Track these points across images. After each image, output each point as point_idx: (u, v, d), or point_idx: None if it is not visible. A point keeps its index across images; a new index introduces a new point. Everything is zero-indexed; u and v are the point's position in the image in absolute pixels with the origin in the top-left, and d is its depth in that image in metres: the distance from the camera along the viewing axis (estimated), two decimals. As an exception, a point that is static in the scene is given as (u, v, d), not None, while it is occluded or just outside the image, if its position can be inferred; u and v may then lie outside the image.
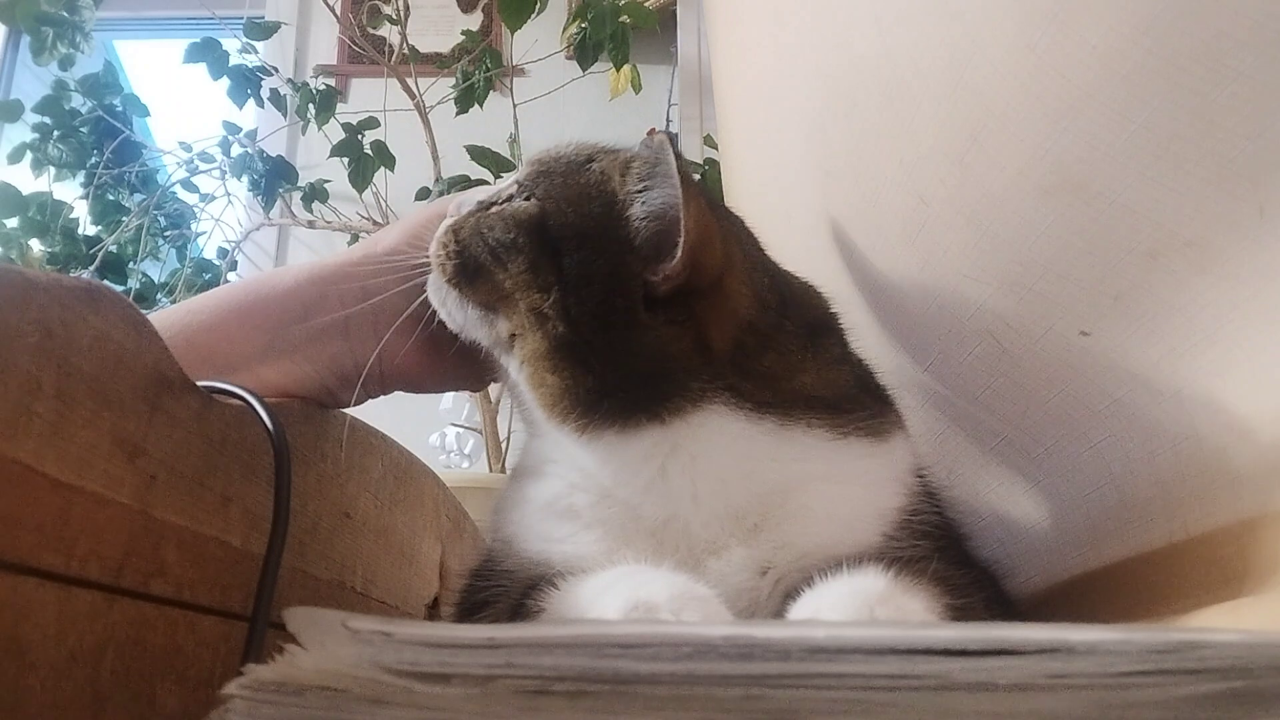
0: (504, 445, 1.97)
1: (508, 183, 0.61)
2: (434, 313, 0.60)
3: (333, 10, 2.68)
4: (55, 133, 2.79)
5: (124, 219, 2.77)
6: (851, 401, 0.56)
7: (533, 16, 2.11)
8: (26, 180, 2.78)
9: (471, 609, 0.55)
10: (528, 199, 0.57)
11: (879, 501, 0.53)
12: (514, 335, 0.56)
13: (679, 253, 0.51)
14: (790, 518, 0.51)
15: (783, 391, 0.54)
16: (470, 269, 0.57)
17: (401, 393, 0.68)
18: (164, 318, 0.57)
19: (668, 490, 0.52)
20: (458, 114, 2.40)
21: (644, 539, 0.51)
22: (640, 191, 0.55)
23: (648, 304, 0.53)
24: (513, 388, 0.59)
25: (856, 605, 0.41)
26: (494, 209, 0.58)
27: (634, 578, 0.44)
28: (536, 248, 0.55)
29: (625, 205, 0.55)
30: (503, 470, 1.89)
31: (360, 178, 2.40)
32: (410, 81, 2.41)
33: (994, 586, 0.56)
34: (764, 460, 0.52)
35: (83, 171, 2.83)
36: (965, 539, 0.58)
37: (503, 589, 0.53)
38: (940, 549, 0.53)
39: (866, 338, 0.65)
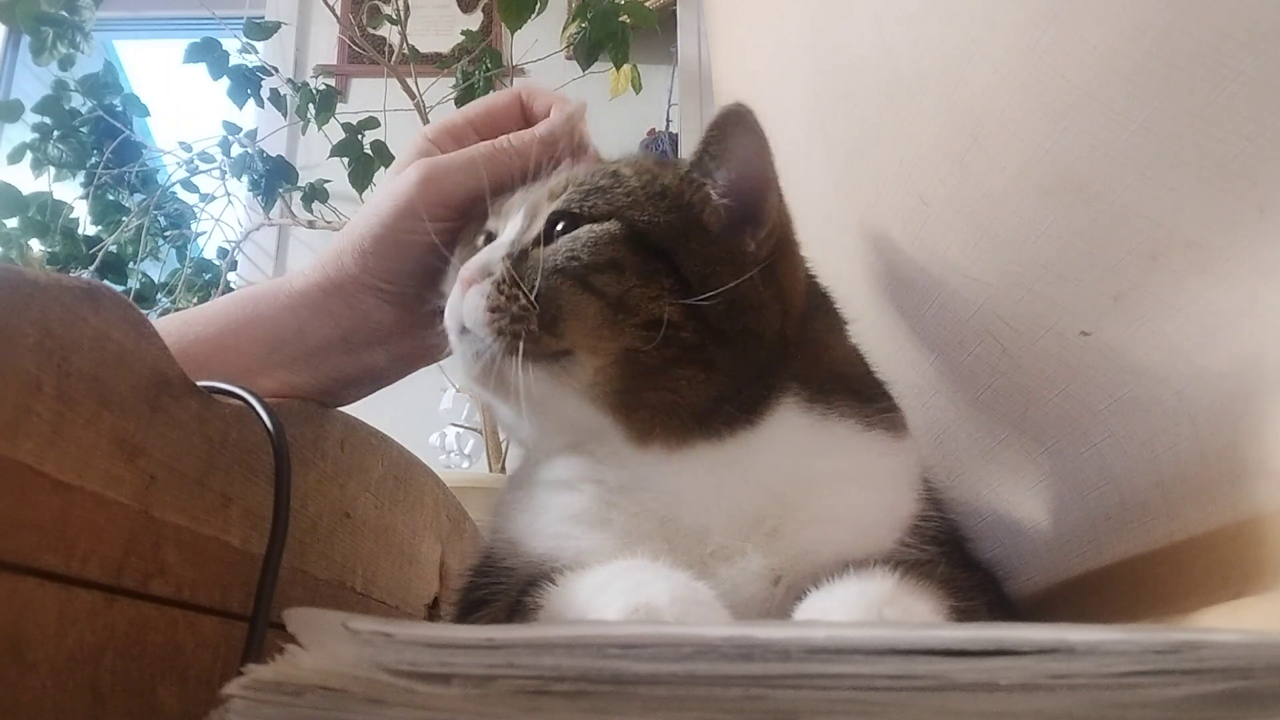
0: (504, 445, 1.96)
1: (515, 230, 0.56)
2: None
3: (333, 10, 2.67)
4: (55, 133, 2.79)
5: (124, 219, 2.77)
6: (869, 387, 0.57)
7: (533, 16, 2.11)
8: (26, 180, 2.78)
9: (470, 607, 0.55)
10: (583, 222, 0.54)
11: (897, 507, 0.53)
12: (599, 370, 0.51)
13: (770, 210, 0.54)
14: (811, 522, 0.50)
15: (824, 365, 0.55)
16: (550, 316, 0.51)
17: (401, 390, 0.69)
18: (159, 328, 0.57)
19: (716, 499, 0.51)
20: (458, 114, 2.40)
21: (657, 542, 0.50)
22: (713, 172, 0.55)
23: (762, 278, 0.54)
24: (523, 416, 0.53)
25: (864, 606, 0.40)
26: (553, 245, 0.53)
27: (632, 575, 0.44)
28: (641, 259, 0.52)
29: (694, 192, 0.55)
30: (503, 470, 1.89)
31: (360, 178, 2.40)
32: (410, 81, 2.41)
33: (997, 589, 0.56)
34: (804, 457, 0.52)
35: (83, 171, 2.83)
36: (968, 541, 0.58)
37: (502, 586, 0.53)
38: (945, 552, 0.53)
39: (867, 337, 0.65)
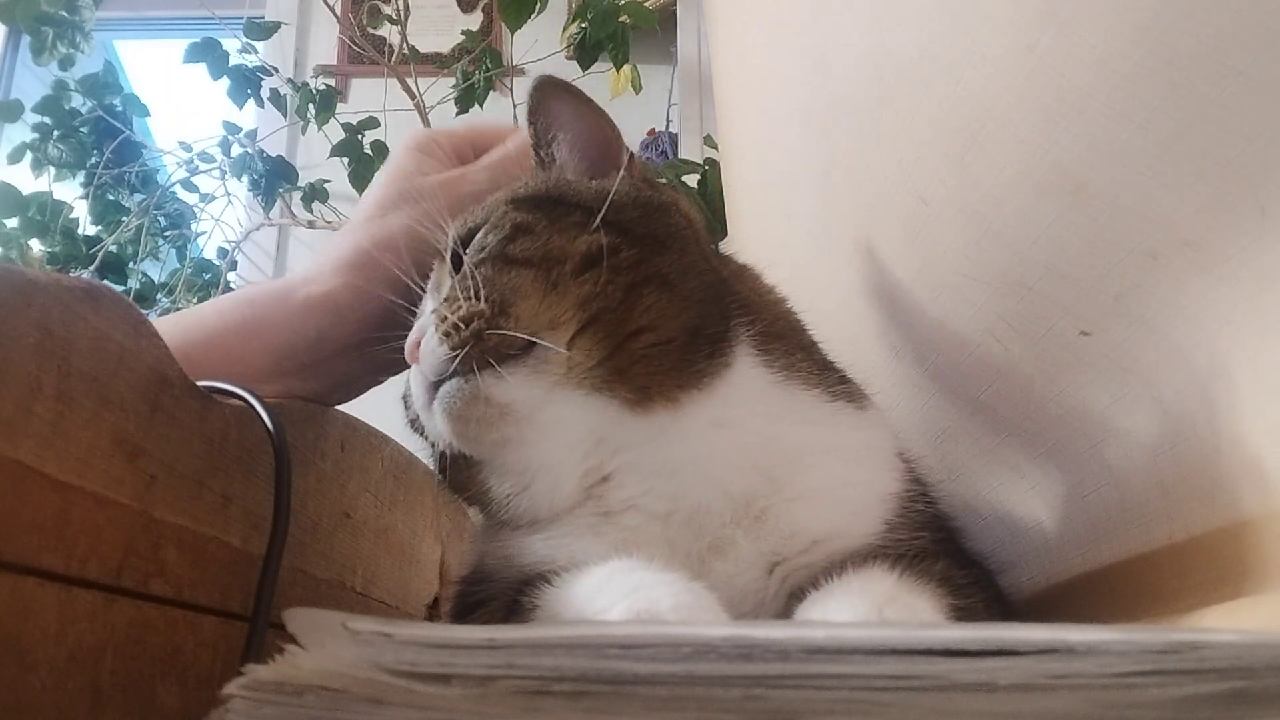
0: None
1: (431, 300, 0.57)
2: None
3: (333, 10, 2.68)
4: (55, 133, 2.80)
5: (124, 219, 2.78)
6: (818, 352, 0.59)
7: (533, 16, 2.11)
8: (26, 180, 2.79)
9: (465, 612, 0.54)
10: (477, 231, 0.55)
11: (881, 485, 0.53)
12: (576, 332, 0.50)
13: (614, 140, 0.60)
14: (798, 499, 0.51)
15: (761, 305, 0.58)
16: (497, 302, 0.50)
17: (401, 389, 0.69)
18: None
19: (713, 469, 0.51)
20: (458, 114, 2.40)
21: (657, 545, 0.50)
22: (552, 143, 0.60)
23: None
24: (527, 447, 0.52)
25: (865, 606, 0.40)
26: (466, 254, 0.54)
27: (630, 577, 0.43)
28: (540, 211, 0.54)
29: (549, 166, 0.61)
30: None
31: (360, 178, 2.40)
32: (410, 81, 2.41)
33: (993, 585, 0.56)
34: (780, 423, 0.53)
35: (83, 171, 2.84)
36: (960, 533, 0.58)
37: (497, 589, 0.53)
38: (939, 542, 0.53)
39: (868, 338, 0.65)
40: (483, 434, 0.51)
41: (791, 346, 0.57)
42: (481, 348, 0.49)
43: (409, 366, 0.60)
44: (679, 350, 0.51)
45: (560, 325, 0.50)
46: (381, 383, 0.68)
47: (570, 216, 0.53)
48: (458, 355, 0.49)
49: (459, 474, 0.55)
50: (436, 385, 0.51)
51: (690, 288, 0.53)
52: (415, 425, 0.57)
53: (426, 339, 0.51)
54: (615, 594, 0.41)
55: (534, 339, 0.49)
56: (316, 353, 0.62)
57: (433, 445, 0.56)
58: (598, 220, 0.52)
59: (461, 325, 0.49)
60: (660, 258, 0.53)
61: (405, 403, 0.59)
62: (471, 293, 0.50)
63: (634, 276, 0.51)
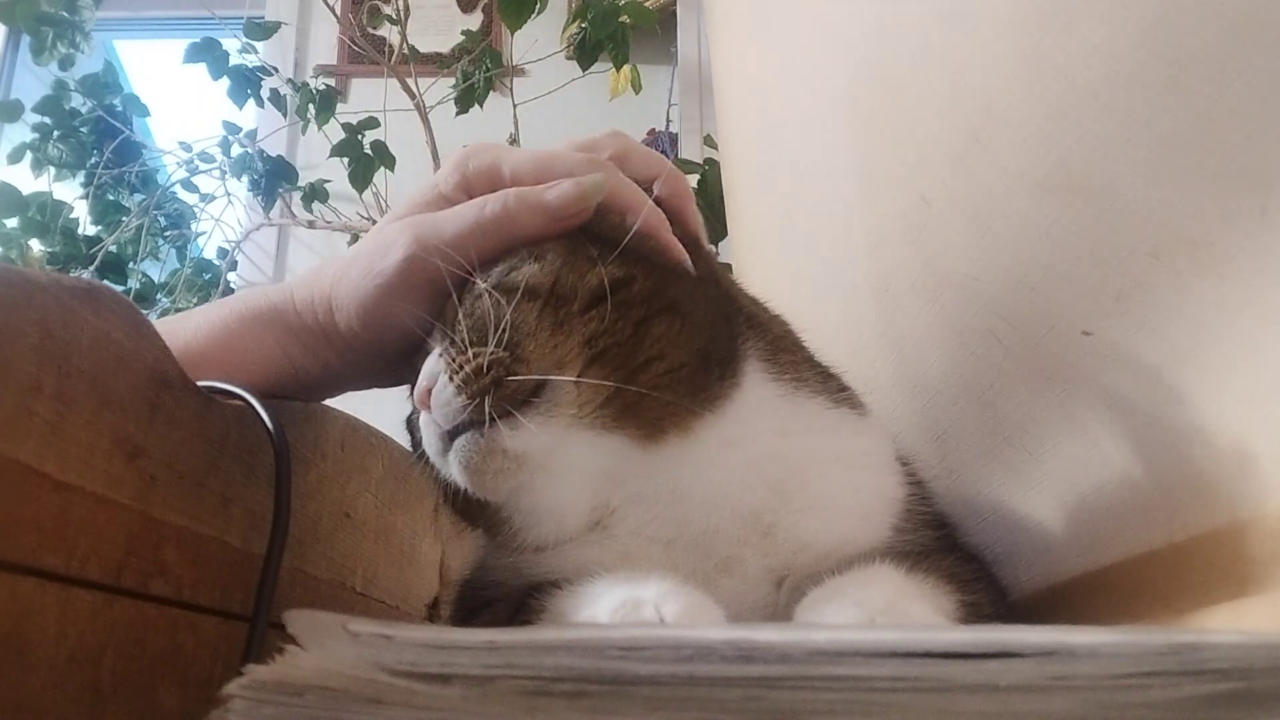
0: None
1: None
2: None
3: (333, 10, 2.68)
4: (55, 133, 2.81)
5: (124, 219, 2.78)
6: (815, 359, 0.59)
7: (533, 16, 2.11)
8: (26, 180, 2.79)
9: (470, 614, 0.54)
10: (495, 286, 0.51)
11: (886, 490, 0.53)
12: (583, 369, 0.48)
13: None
14: (805, 511, 0.50)
15: (763, 319, 0.57)
16: (509, 344, 0.48)
17: (402, 390, 0.68)
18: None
19: (723, 491, 0.50)
20: (458, 114, 2.41)
21: (658, 563, 0.49)
22: None
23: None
24: (542, 491, 0.50)
25: (859, 617, 0.40)
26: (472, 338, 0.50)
27: (625, 584, 0.44)
28: (559, 243, 0.52)
29: None
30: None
31: (360, 178, 2.41)
32: (410, 81, 2.41)
33: (994, 578, 0.56)
34: (788, 435, 0.52)
35: (83, 171, 2.84)
36: (958, 529, 0.59)
37: (504, 593, 0.53)
38: (942, 539, 0.53)
39: (870, 337, 0.65)
40: (499, 484, 0.49)
41: (797, 357, 0.57)
42: (499, 395, 0.47)
43: (409, 373, 0.59)
44: (690, 376, 0.50)
45: (567, 364, 0.48)
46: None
47: (586, 250, 0.51)
48: (473, 404, 0.47)
49: (466, 505, 0.54)
50: (450, 434, 0.49)
51: (701, 312, 0.52)
52: (421, 456, 0.55)
53: (439, 388, 0.49)
54: (611, 598, 0.41)
55: (546, 379, 0.48)
56: (297, 382, 0.59)
57: (438, 477, 0.54)
58: (613, 255, 0.50)
59: (477, 374, 0.47)
60: (674, 288, 0.52)
61: (409, 429, 0.57)
62: (486, 335, 0.48)
63: (646, 311, 0.50)
